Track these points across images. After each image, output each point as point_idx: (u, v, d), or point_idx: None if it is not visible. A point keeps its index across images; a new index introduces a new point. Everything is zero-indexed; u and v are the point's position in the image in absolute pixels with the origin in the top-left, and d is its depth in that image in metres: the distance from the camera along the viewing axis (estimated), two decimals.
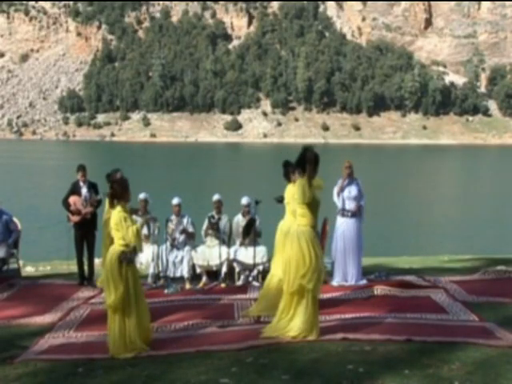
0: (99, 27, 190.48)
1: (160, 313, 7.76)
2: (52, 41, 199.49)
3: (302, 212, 6.51)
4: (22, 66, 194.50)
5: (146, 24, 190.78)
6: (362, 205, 9.46)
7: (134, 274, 6.46)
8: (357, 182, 9.48)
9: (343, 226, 9.36)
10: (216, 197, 10.05)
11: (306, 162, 6.49)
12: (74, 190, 9.90)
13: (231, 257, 9.67)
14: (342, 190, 9.38)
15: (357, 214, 9.39)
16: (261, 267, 9.65)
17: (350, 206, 9.35)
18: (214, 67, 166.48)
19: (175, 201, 10.01)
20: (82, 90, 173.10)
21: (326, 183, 6.72)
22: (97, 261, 11.39)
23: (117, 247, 6.43)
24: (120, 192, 6.50)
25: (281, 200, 10.12)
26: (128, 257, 6.36)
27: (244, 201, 9.97)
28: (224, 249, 9.73)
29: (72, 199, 9.82)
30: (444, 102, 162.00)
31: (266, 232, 10.21)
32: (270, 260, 9.97)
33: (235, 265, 9.69)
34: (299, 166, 6.58)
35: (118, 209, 6.47)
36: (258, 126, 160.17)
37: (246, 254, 9.65)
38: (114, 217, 6.46)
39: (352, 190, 9.36)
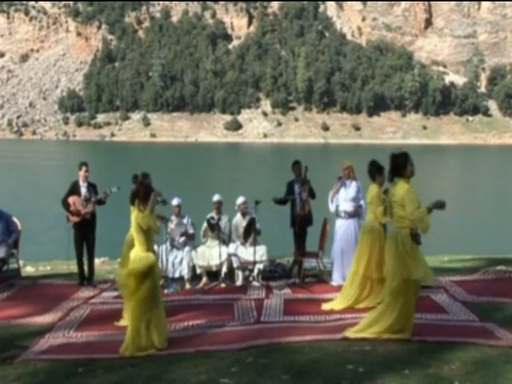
0: (99, 27, 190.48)
1: None
2: (52, 41, 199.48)
3: (401, 214, 6.35)
4: (22, 65, 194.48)
5: (146, 24, 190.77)
6: (361, 205, 9.38)
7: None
8: (356, 182, 9.42)
9: (342, 228, 9.34)
10: (216, 197, 10.05)
11: (403, 166, 6.33)
12: (74, 189, 9.86)
13: (231, 251, 9.67)
14: (337, 192, 9.36)
15: (355, 215, 9.35)
16: (261, 266, 9.66)
17: (347, 207, 9.28)
18: (214, 67, 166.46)
19: (175, 201, 9.99)
20: (82, 90, 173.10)
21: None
22: (97, 261, 11.40)
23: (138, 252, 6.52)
24: (143, 195, 6.56)
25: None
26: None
27: (240, 199, 10.00)
28: (224, 249, 9.72)
29: (71, 199, 9.79)
30: (444, 102, 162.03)
31: (265, 231, 10.22)
32: (269, 259, 10.01)
33: (233, 260, 9.64)
34: (395, 172, 6.39)
35: (135, 215, 6.53)
36: (258, 126, 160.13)
37: (246, 252, 9.68)
38: (133, 224, 6.57)
39: (350, 192, 9.29)
